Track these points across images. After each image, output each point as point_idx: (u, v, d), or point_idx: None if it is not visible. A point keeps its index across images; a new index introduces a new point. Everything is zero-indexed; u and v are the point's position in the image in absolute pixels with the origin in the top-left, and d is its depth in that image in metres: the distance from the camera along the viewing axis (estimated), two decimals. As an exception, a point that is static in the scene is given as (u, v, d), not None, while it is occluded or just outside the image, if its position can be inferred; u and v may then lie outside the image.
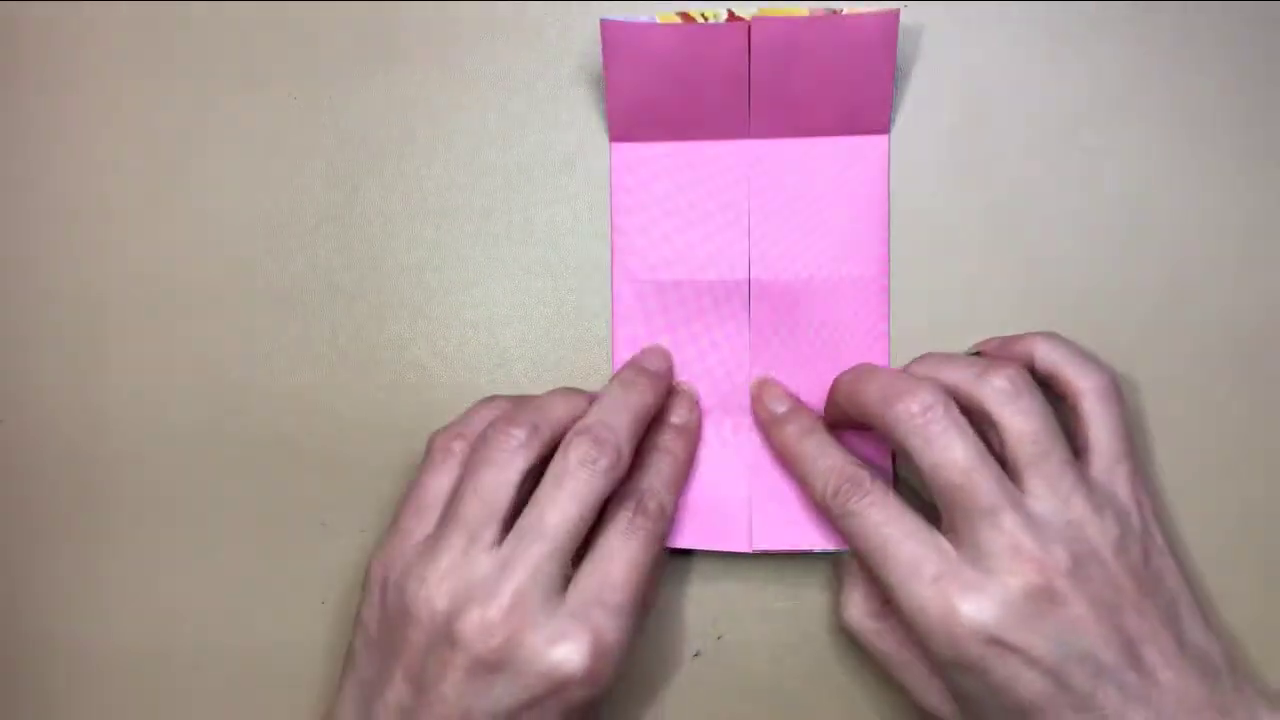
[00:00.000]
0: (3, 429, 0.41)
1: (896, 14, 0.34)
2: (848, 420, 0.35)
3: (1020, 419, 0.32)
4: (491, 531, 0.33)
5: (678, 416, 0.37)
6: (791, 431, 0.36)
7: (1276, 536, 0.37)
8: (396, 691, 0.32)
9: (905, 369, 0.35)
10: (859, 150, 0.37)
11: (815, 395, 0.37)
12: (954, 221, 0.38)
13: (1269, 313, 0.37)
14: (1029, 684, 0.30)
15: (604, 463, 0.33)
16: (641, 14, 0.36)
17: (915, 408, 0.32)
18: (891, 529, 0.32)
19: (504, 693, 0.31)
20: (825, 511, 0.34)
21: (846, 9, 0.35)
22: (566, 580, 0.33)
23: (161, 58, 0.40)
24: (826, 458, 0.35)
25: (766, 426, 0.37)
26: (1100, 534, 0.31)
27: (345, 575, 0.39)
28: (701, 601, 0.38)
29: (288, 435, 0.40)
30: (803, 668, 0.38)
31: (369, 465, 0.39)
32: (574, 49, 0.39)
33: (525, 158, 0.39)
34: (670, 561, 0.38)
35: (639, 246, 0.38)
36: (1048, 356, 0.34)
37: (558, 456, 0.33)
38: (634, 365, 0.37)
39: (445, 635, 0.32)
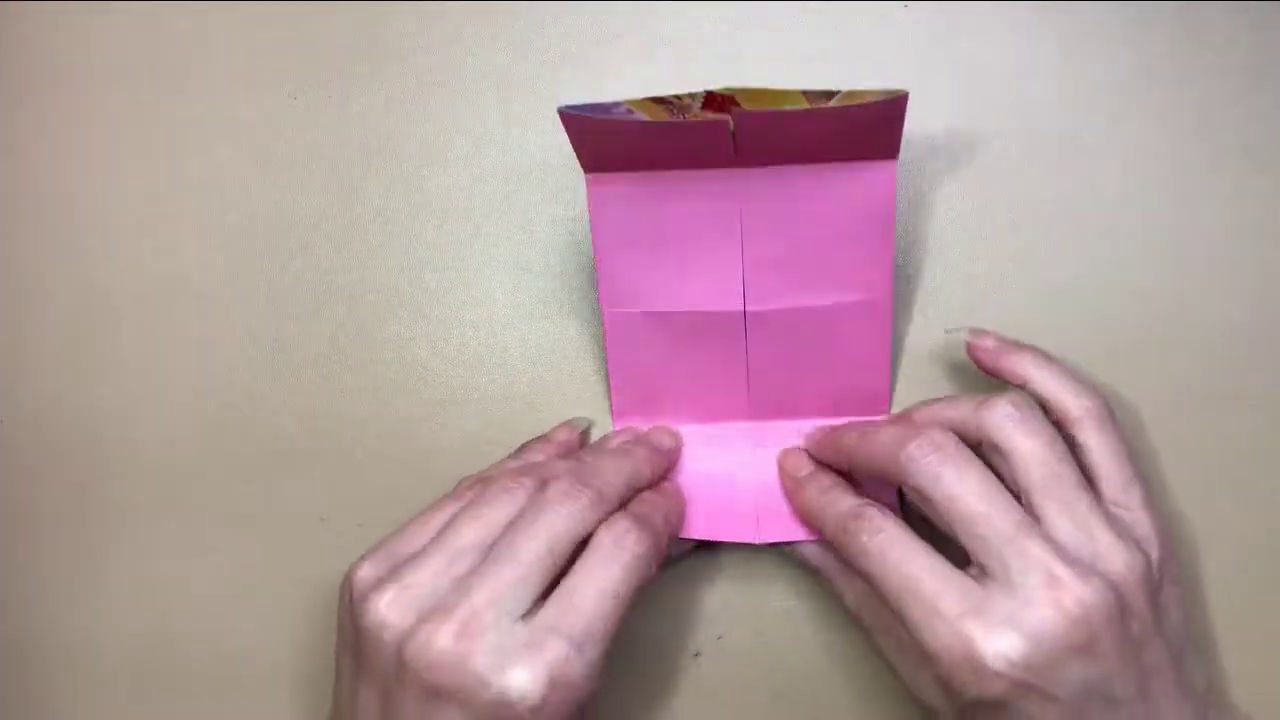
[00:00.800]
0: (2, 429, 0.41)
1: (904, 98, 0.30)
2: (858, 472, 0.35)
3: (1029, 441, 0.31)
4: (471, 559, 0.31)
5: (657, 439, 0.37)
6: (810, 493, 0.35)
7: (1277, 538, 0.37)
8: (366, 708, 0.31)
9: (905, 413, 0.35)
10: (864, 177, 0.33)
11: (815, 409, 0.37)
12: (953, 222, 0.38)
13: (1268, 313, 0.37)
14: (1044, 718, 0.29)
15: (586, 498, 0.32)
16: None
17: (926, 446, 0.31)
18: (909, 567, 0.31)
19: (456, 714, 0.29)
20: (840, 553, 0.33)
21: (843, 90, 0.30)
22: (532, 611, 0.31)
23: (161, 58, 0.40)
24: (839, 504, 0.34)
25: (790, 496, 0.37)
26: (1129, 568, 0.30)
27: (345, 575, 0.39)
28: (701, 601, 0.38)
29: (288, 435, 0.40)
30: (803, 668, 0.38)
31: (369, 465, 0.39)
32: (574, 49, 0.39)
33: (525, 158, 0.39)
34: (670, 562, 0.38)
35: (623, 278, 0.36)
36: (1041, 381, 0.34)
37: (537, 490, 0.33)
38: (639, 438, 0.37)
39: (397, 659, 0.30)
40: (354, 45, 0.40)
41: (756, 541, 0.37)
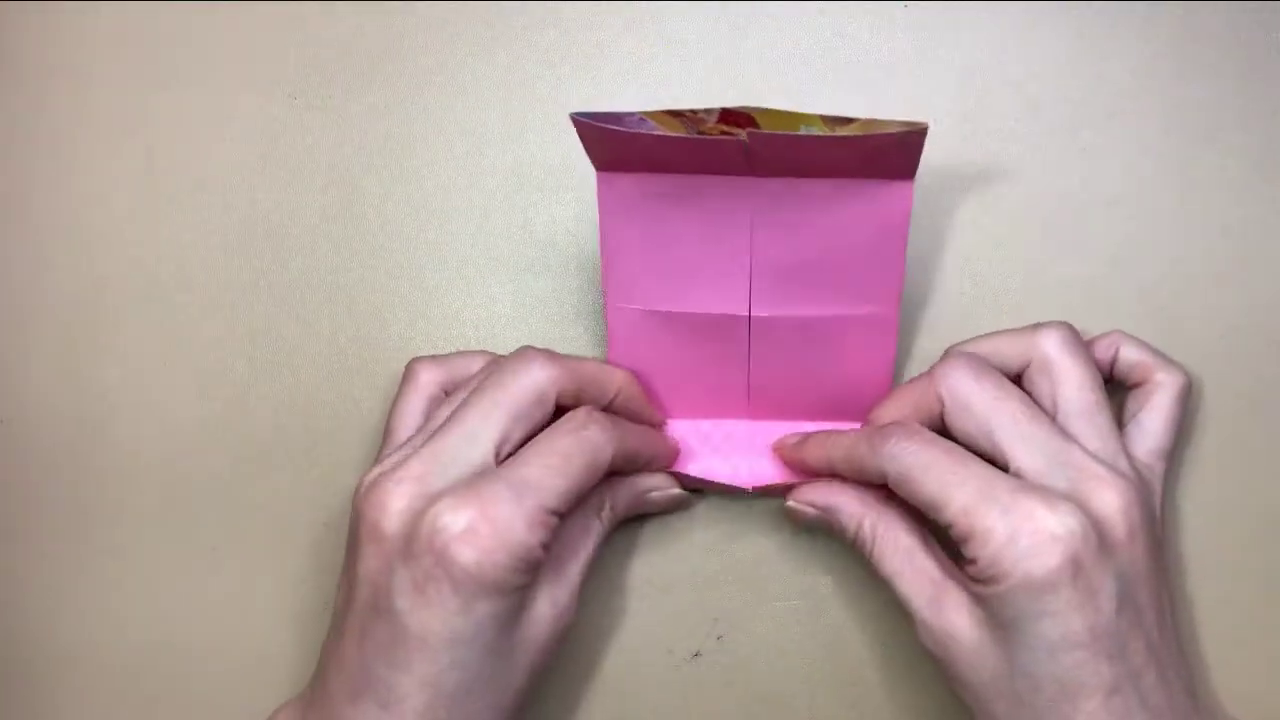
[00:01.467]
0: (2, 429, 0.41)
1: (923, 132, 0.30)
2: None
3: (1080, 368, 0.33)
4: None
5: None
6: (812, 445, 0.36)
7: (1277, 536, 0.37)
8: (340, 595, 0.33)
9: (952, 350, 0.35)
10: (880, 196, 0.33)
11: (812, 410, 0.37)
12: (952, 222, 0.38)
13: (1269, 313, 0.37)
14: (1087, 614, 0.29)
15: (538, 360, 0.33)
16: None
17: (988, 393, 0.33)
18: (952, 459, 0.31)
19: (399, 565, 0.30)
20: (865, 466, 0.33)
21: (863, 118, 0.30)
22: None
23: (161, 58, 0.40)
24: (849, 435, 0.34)
25: (792, 461, 0.37)
26: (1150, 499, 0.32)
27: (345, 575, 0.39)
28: (701, 601, 0.38)
29: (288, 435, 0.40)
30: (803, 668, 0.38)
31: (369, 466, 0.39)
32: (574, 49, 0.39)
33: (525, 157, 0.39)
34: (670, 562, 0.38)
35: (629, 277, 0.35)
36: (1134, 351, 0.35)
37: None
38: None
39: (356, 517, 0.32)
40: (354, 45, 0.40)
41: (749, 486, 0.37)
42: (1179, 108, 0.37)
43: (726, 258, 0.35)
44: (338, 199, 0.40)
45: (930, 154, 0.38)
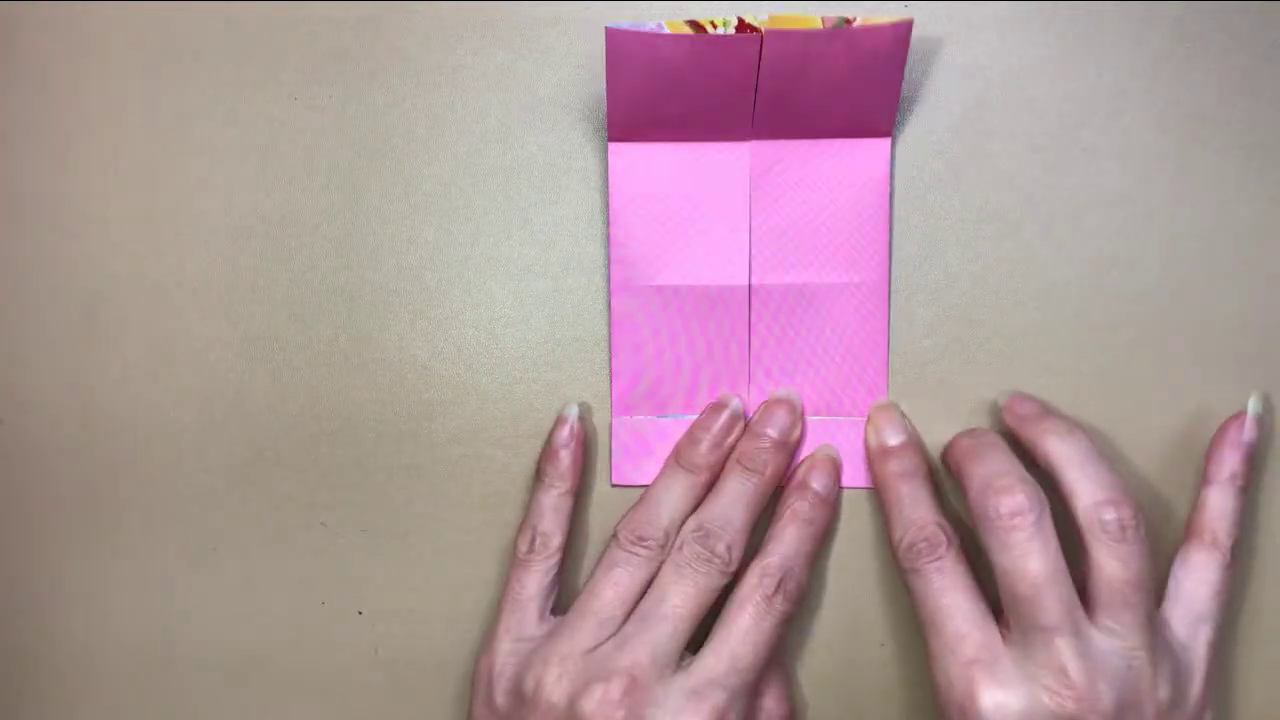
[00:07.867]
0: (3, 429, 0.41)
1: (909, 25, 0.34)
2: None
3: (1117, 565, 0.32)
4: (617, 621, 0.34)
5: (819, 483, 0.36)
6: (892, 470, 0.36)
7: (1275, 538, 0.37)
8: None
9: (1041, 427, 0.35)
10: (861, 153, 0.37)
11: (812, 400, 0.38)
12: (953, 222, 0.38)
13: (1269, 313, 0.37)
14: None
15: (719, 557, 0.34)
16: (646, 18, 0.36)
17: (1005, 509, 0.32)
18: (947, 599, 0.33)
19: None
20: (895, 559, 0.35)
21: (859, 19, 0.33)
22: (682, 659, 0.33)
23: (161, 58, 0.40)
24: (915, 509, 0.35)
25: (872, 457, 0.37)
26: (1151, 690, 0.31)
27: (345, 575, 0.39)
28: (701, 601, 0.38)
29: (288, 435, 0.40)
30: (802, 668, 0.38)
31: (369, 465, 0.39)
32: (574, 49, 0.39)
33: (525, 158, 0.39)
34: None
35: (636, 251, 0.38)
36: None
37: (674, 551, 0.34)
38: (754, 444, 0.36)
39: (568, 716, 0.32)
40: (354, 45, 0.40)
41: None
42: (1178, 108, 0.37)
43: (727, 226, 0.37)
44: (338, 199, 0.40)
45: (931, 153, 0.38)
